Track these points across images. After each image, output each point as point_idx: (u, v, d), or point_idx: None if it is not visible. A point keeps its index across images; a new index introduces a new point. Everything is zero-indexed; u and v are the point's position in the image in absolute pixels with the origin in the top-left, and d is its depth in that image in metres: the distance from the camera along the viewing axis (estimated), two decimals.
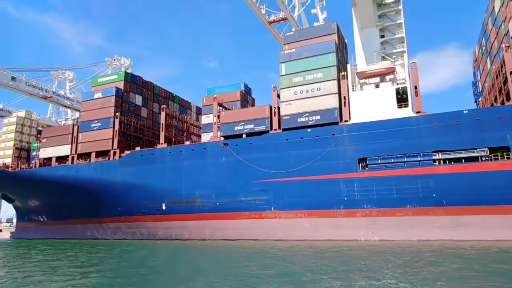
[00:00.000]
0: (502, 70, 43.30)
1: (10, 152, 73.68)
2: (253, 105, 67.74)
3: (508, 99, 41.55)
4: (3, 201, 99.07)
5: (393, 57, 51.93)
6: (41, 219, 72.92)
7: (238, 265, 25.73)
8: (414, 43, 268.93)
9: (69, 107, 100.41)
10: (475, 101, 66.10)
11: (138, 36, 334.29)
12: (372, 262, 25.21)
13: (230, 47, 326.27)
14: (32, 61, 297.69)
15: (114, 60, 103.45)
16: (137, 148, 59.16)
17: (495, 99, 47.01)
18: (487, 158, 39.73)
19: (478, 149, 40.02)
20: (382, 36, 55.40)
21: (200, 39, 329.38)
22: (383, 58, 52.05)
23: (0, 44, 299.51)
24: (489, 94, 50.99)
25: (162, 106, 62.34)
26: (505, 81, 42.07)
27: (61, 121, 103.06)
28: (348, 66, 49.33)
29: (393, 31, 54.88)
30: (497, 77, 45.76)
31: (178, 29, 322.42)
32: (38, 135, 76.43)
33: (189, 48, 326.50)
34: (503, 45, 41.72)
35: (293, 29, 70.49)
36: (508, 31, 42.54)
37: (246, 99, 66.97)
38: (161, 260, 32.05)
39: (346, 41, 59.88)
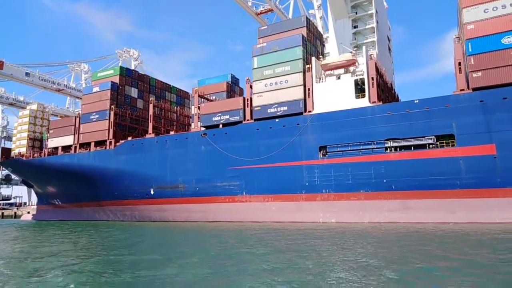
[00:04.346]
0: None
1: (25, 142, 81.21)
2: (240, 95, 71.21)
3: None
4: None
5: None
6: (56, 202, 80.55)
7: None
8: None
9: (80, 98, 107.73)
10: None
11: (168, 21, 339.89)
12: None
13: (254, 30, 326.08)
14: (68, 51, 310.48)
15: (124, 52, 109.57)
16: (129, 138, 64.48)
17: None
18: (433, 145, 41.88)
19: (426, 137, 42.19)
20: (355, 27, 57.36)
21: (228, 22, 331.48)
22: (354, 49, 54.12)
23: (39, 35, 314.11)
24: None
25: (151, 99, 67.23)
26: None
27: (78, 111, 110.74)
28: (313, 59, 51.73)
29: (365, 21, 56.75)
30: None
31: (207, 13, 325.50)
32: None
33: (218, 32, 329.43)
34: (454, 36, 43.06)
35: (282, 20, 73.04)
36: (461, 21, 43.66)
37: (234, 89, 70.57)
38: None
39: (322, 33, 61.87)
